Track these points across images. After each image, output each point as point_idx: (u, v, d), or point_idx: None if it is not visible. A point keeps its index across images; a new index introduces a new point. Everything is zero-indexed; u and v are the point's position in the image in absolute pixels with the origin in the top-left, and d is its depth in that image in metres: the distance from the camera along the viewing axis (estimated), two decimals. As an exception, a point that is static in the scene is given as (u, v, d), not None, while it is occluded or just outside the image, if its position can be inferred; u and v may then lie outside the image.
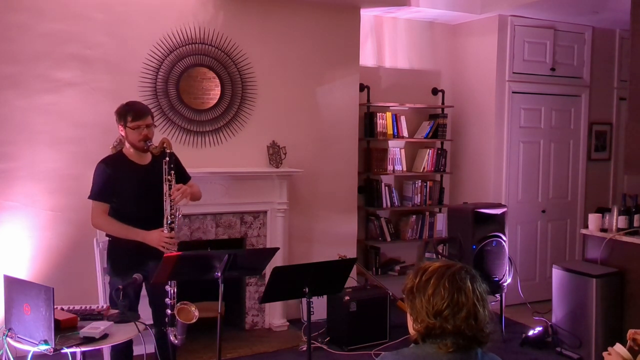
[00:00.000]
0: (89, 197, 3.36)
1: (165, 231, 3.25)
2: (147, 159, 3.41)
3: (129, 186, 3.32)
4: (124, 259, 3.34)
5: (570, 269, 4.62)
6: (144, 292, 3.45)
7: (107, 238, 3.45)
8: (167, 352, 3.37)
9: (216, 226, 4.86)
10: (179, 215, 3.32)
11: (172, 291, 3.20)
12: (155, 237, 3.25)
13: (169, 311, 3.18)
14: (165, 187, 3.26)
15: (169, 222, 3.26)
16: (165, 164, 3.26)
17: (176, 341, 3.16)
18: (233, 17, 4.95)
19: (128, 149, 3.39)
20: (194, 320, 3.10)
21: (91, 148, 4.53)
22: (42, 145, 4.42)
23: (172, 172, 3.27)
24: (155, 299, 3.39)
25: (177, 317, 3.08)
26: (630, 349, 2.30)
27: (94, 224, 3.40)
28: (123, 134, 3.35)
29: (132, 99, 4.55)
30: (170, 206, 3.25)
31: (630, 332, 2.38)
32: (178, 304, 3.13)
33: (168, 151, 3.26)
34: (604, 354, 2.33)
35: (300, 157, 5.22)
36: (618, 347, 2.31)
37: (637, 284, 4.36)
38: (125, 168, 3.35)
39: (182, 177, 3.50)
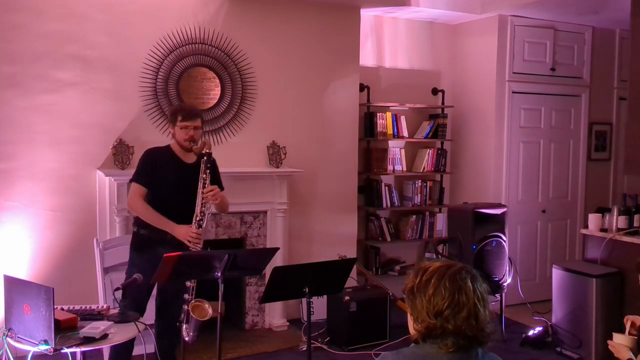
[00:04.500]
0: (130, 181, 3.55)
1: (193, 227, 3.37)
2: (191, 158, 3.56)
3: (168, 177, 3.47)
4: (144, 250, 3.47)
5: (570, 269, 4.62)
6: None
7: (133, 229, 3.59)
8: (173, 349, 3.40)
9: (216, 226, 4.86)
10: (208, 213, 3.44)
11: (191, 287, 3.29)
12: (183, 231, 3.38)
13: (185, 307, 3.26)
14: (200, 185, 3.39)
15: (198, 218, 3.38)
16: (202, 163, 3.41)
17: (187, 338, 3.21)
18: (233, 17, 4.95)
19: (175, 146, 3.56)
20: (208, 318, 3.17)
21: (91, 148, 4.53)
22: (42, 145, 4.41)
23: (208, 171, 3.40)
24: (163, 296, 3.49)
25: (191, 313, 3.15)
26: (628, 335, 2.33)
27: (129, 205, 3.59)
28: (172, 131, 3.54)
29: (132, 99, 4.59)
30: (202, 204, 3.38)
31: (627, 318, 2.40)
32: (193, 301, 3.19)
33: (206, 151, 3.41)
34: (609, 347, 2.35)
35: (300, 157, 5.22)
36: (617, 338, 2.34)
37: (636, 284, 4.35)
38: (169, 159, 3.53)
39: (218, 184, 3.63)
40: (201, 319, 3.18)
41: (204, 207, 3.40)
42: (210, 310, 3.17)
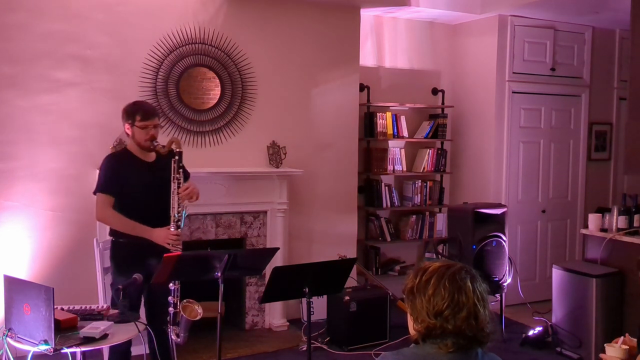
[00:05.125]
0: (95, 191, 3.38)
1: (172, 229, 3.27)
2: (152, 156, 3.44)
3: (134, 181, 3.34)
4: (127, 257, 3.34)
5: (570, 269, 4.62)
6: None
7: (110, 238, 3.44)
8: (167, 352, 3.36)
9: (216, 226, 4.86)
10: (185, 213, 3.34)
11: (175, 289, 3.21)
12: (161, 235, 3.27)
13: (171, 309, 3.19)
14: (174, 185, 3.29)
15: (175, 219, 3.28)
16: (174, 163, 3.29)
17: (178, 339, 3.17)
18: (233, 17, 4.95)
19: (133, 146, 3.41)
20: (198, 318, 3.13)
21: (91, 148, 4.53)
22: (42, 145, 4.42)
23: (181, 170, 3.31)
24: (153, 298, 3.38)
25: (182, 313, 3.11)
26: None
27: (98, 217, 3.41)
28: (129, 132, 3.37)
29: (132, 99, 4.55)
30: (178, 204, 3.28)
31: (617, 340, 2.41)
32: (183, 301, 3.16)
33: (177, 150, 3.29)
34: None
35: (300, 157, 5.22)
36: (610, 350, 2.34)
37: (636, 283, 4.36)
38: (131, 163, 3.38)
39: (185, 176, 3.52)
40: (192, 319, 3.12)
41: (181, 207, 3.29)
42: (200, 310, 3.12)
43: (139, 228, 3.28)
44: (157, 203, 3.31)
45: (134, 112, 3.35)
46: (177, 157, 3.29)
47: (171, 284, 3.19)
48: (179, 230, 3.29)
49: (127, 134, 3.40)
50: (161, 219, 3.30)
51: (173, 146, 3.30)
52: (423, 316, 1.66)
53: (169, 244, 3.24)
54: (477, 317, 1.64)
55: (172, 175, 3.29)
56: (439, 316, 1.64)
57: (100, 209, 3.34)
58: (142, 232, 3.28)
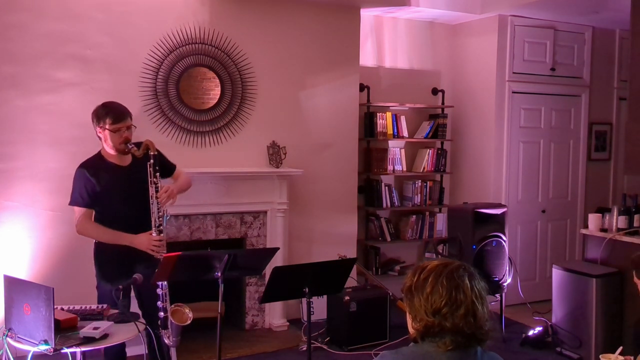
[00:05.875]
0: (71, 204, 3.26)
1: (154, 234, 3.20)
2: (127, 159, 3.33)
3: (112, 189, 3.24)
4: (112, 264, 3.27)
5: (570, 269, 4.62)
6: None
7: (93, 241, 3.37)
8: (162, 354, 3.34)
9: (216, 226, 4.86)
10: (167, 217, 3.27)
11: (163, 294, 3.16)
12: (143, 241, 3.20)
13: (162, 314, 3.15)
14: (152, 190, 3.19)
15: (157, 225, 3.20)
16: (150, 167, 3.19)
17: (171, 343, 3.15)
18: (233, 17, 4.95)
19: (106, 151, 3.29)
20: (188, 322, 3.08)
21: (91, 148, 4.49)
22: (42, 145, 4.42)
23: (158, 174, 3.20)
24: (146, 301, 3.32)
25: (171, 319, 3.07)
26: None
27: (79, 231, 3.28)
28: (101, 136, 3.26)
29: (132, 99, 4.56)
30: (158, 209, 3.20)
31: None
32: (172, 306, 3.11)
33: (152, 153, 3.19)
34: None
35: (300, 157, 5.22)
36: (606, 359, 2.35)
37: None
38: (106, 171, 3.26)
39: (167, 169, 3.45)
40: (182, 324, 3.07)
41: (161, 211, 3.20)
42: (190, 314, 3.07)
43: (120, 236, 3.21)
44: (138, 208, 3.23)
45: (105, 115, 3.21)
46: (152, 161, 3.19)
47: (159, 289, 3.14)
48: (162, 235, 3.21)
49: (99, 138, 3.28)
50: (143, 224, 3.22)
51: (148, 148, 3.18)
52: (421, 314, 1.66)
53: (152, 250, 3.18)
54: (475, 314, 1.64)
55: (149, 179, 3.19)
56: (437, 314, 1.64)
57: (80, 223, 3.25)
58: (123, 239, 3.21)
